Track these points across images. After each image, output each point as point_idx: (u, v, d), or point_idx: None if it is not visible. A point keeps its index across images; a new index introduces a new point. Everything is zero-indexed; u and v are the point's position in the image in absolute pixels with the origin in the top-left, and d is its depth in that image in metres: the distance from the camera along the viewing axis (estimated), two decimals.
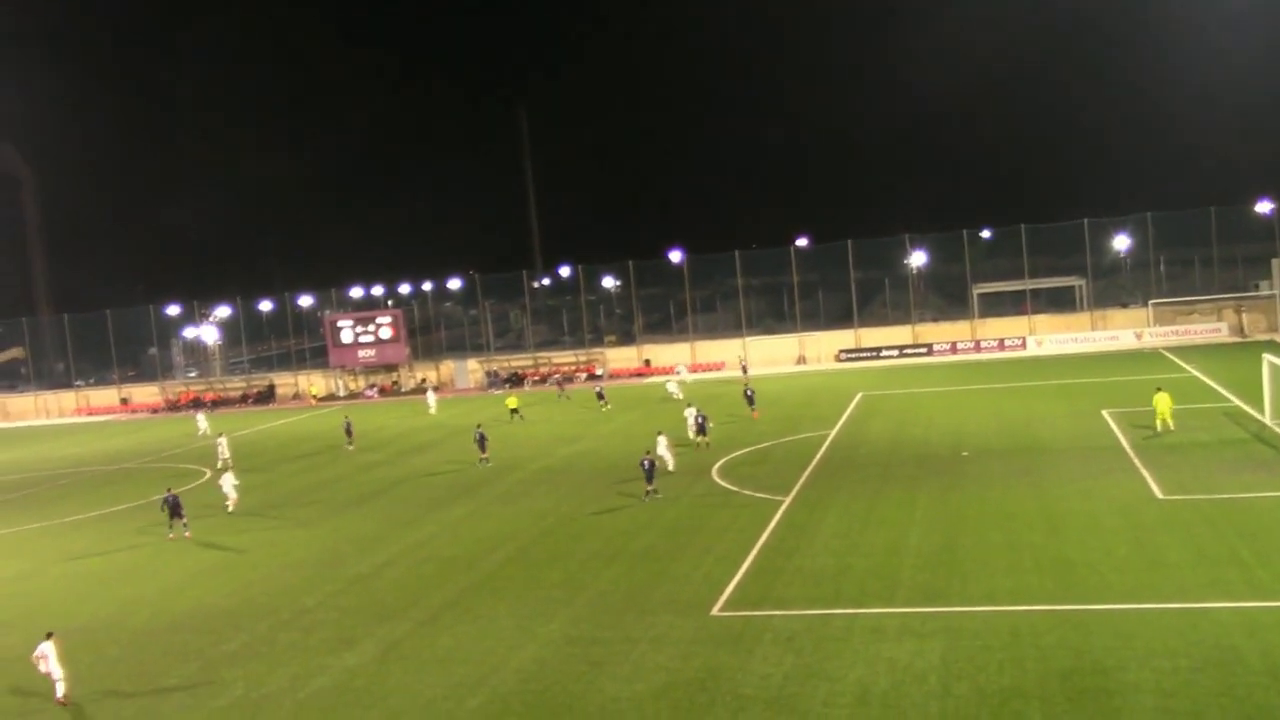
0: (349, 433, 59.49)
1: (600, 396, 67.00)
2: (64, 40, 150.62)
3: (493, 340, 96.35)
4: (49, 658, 24.07)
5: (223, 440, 57.09)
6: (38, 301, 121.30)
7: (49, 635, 24.47)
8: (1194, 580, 25.47)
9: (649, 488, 38.99)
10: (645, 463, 39.25)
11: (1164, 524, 30.36)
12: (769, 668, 22.33)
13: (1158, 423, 43.39)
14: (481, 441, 50.25)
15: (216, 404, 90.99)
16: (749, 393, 59.17)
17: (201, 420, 73.20)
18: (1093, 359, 71.84)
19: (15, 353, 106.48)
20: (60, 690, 23.97)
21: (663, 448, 43.45)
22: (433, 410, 71.52)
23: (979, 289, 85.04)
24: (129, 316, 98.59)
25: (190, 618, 29.63)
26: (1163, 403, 43.67)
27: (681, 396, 64.81)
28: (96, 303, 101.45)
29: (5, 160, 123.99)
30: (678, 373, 78.86)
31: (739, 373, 77.64)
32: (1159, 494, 33.75)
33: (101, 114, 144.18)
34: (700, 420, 49.19)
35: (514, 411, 63.40)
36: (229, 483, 44.35)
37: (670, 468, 43.11)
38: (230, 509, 43.49)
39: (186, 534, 39.80)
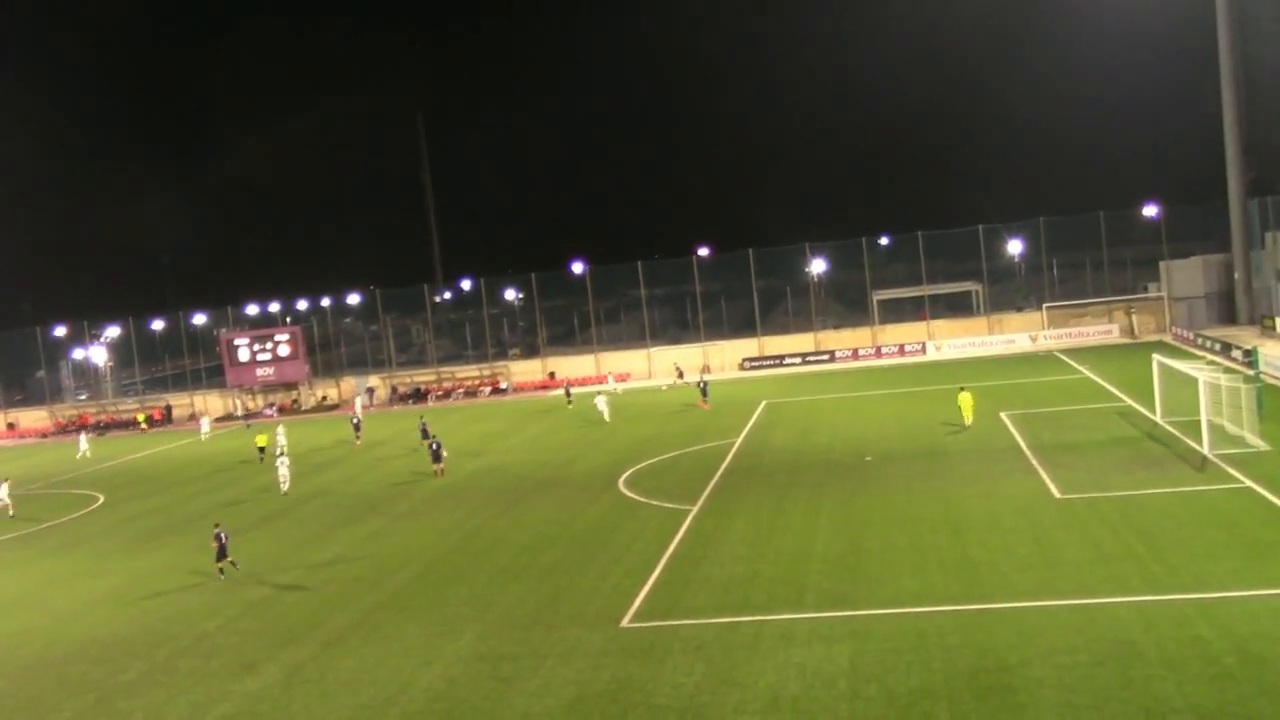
0: (425, 434, 57.94)
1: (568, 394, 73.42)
2: None
3: (395, 355, 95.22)
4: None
5: (280, 430, 62.95)
6: None
7: None
8: (1092, 577, 26.03)
9: (222, 563, 34.46)
10: (219, 535, 34.69)
11: (1062, 522, 31.00)
12: (680, 677, 22.29)
13: (964, 419, 47.92)
14: (357, 427, 61.90)
15: (109, 426, 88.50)
16: (702, 385, 66.17)
17: (84, 442, 72.73)
18: (990, 362, 73.26)
19: None
20: None
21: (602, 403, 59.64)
22: (204, 437, 74.59)
23: (879, 295, 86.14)
24: (14, 339, 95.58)
25: (84, 647, 28.70)
26: (965, 402, 48.35)
27: (609, 418, 61.57)
28: None
29: None
30: (610, 384, 77.26)
31: (698, 376, 77.19)
32: (1056, 493, 34.47)
33: None
34: (434, 446, 49.93)
35: (261, 450, 59.61)
36: (284, 466, 49.97)
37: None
38: (284, 490, 48.87)
39: None
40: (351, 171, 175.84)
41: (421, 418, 63.06)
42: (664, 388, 76.40)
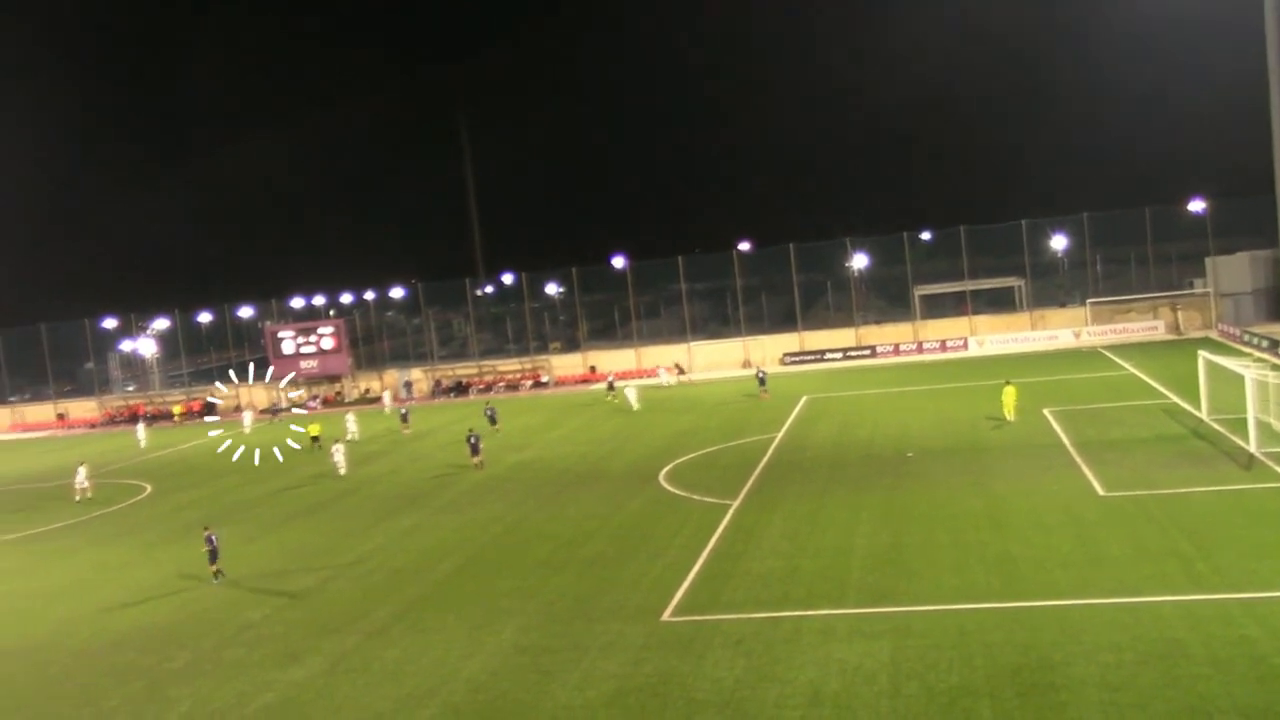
0: (493, 420, 61.08)
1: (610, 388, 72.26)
2: None
3: (436, 349, 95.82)
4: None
5: (351, 417, 66.29)
6: None
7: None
8: (1136, 575, 25.84)
9: (215, 566, 34.29)
10: (210, 539, 34.44)
11: (1106, 520, 30.78)
12: (720, 672, 22.35)
13: (1006, 414, 47.96)
14: (404, 417, 65.83)
15: (155, 417, 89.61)
16: (761, 376, 67.63)
17: (141, 432, 73.47)
18: (1033, 358, 72.67)
19: None
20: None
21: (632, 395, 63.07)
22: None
23: (920, 290, 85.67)
24: (64, 330, 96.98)
25: (133, 636, 29.15)
26: (1009, 396, 48.28)
27: (637, 406, 63.78)
28: (30, 316, 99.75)
29: None
30: (661, 377, 78.16)
31: (752, 370, 77.25)
32: (1100, 490, 34.21)
33: (33, 122, 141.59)
34: (473, 440, 50.11)
35: (315, 440, 61.54)
36: (340, 454, 52.08)
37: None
38: (341, 473, 51.20)
39: None
40: (395, 166, 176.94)
41: (488, 404, 64.29)
42: (665, 384, 76.60)
